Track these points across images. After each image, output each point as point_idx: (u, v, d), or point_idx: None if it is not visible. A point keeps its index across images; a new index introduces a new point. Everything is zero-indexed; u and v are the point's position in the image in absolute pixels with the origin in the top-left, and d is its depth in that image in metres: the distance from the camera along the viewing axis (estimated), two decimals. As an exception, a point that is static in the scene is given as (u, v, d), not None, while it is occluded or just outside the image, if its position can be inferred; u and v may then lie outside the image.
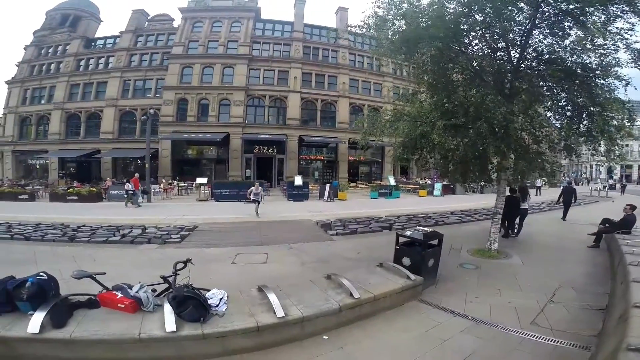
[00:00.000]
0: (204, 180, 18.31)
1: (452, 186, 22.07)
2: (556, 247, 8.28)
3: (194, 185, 20.35)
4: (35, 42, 31.29)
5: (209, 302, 3.32)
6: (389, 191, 19.79)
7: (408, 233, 5.31)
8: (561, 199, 12.91)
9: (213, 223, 10.58)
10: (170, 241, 8.08)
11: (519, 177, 7.27)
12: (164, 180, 20.98)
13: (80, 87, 28.54)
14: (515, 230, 9.34)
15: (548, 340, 3.63)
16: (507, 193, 8.18)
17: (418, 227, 5.96)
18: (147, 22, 30.73)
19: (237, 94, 25.80)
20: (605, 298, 4.64)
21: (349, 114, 27.34)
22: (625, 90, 6.18)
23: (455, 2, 6.38)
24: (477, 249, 7.38)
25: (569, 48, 6.34)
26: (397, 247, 5.34)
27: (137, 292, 3.24)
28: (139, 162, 26.48)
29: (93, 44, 31.01)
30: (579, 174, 61.48)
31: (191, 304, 3.07)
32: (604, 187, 31.06)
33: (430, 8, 6.44)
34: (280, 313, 3.32)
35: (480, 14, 6.50)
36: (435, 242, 5.31)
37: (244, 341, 3.19)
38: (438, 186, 21.42)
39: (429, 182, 23.84)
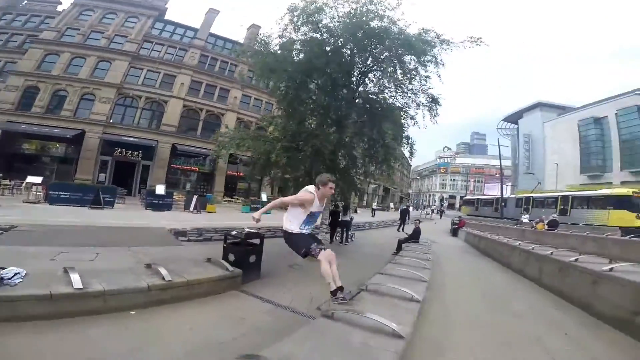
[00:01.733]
0: (37, 179, 15.31)
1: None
2: (373, 254, 10.39)
3: (23, 184, 16.69)
4: None
5: (1, 275, 3.36)
6: (260, 207, 20.72)
7: (233, 233, 6.22)
8: (399, 218, 20.03)
9: (39, 225, 9.17)
10: (-29, 239, 6.79)
11: (342, 195, 9.33)
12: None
13: None
14: (344, 239, 11.50)
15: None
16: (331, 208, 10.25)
17: (245, 228, 6.97)
18: (25, 1, 25.16)
19: (106, 91, 23.18)
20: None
21: (234, 129, 27.47)
22: (410, 126, 8.90)
23: (298, 56, 8.14)
24: (308, 254, 8.86)
25: (392, 89, 8.73)
26: (225, 245, 6.13)
27: None
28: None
29: None
30: (421, 201, 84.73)
31: (-25, 274, 3.08)
32: (432, 211, 44.39)
33: (282, 53, 7.97)
34: (77, 285, 3.56)
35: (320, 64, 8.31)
36: (257, 241, 6.33)
37: (36, 308, 3.30)
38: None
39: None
